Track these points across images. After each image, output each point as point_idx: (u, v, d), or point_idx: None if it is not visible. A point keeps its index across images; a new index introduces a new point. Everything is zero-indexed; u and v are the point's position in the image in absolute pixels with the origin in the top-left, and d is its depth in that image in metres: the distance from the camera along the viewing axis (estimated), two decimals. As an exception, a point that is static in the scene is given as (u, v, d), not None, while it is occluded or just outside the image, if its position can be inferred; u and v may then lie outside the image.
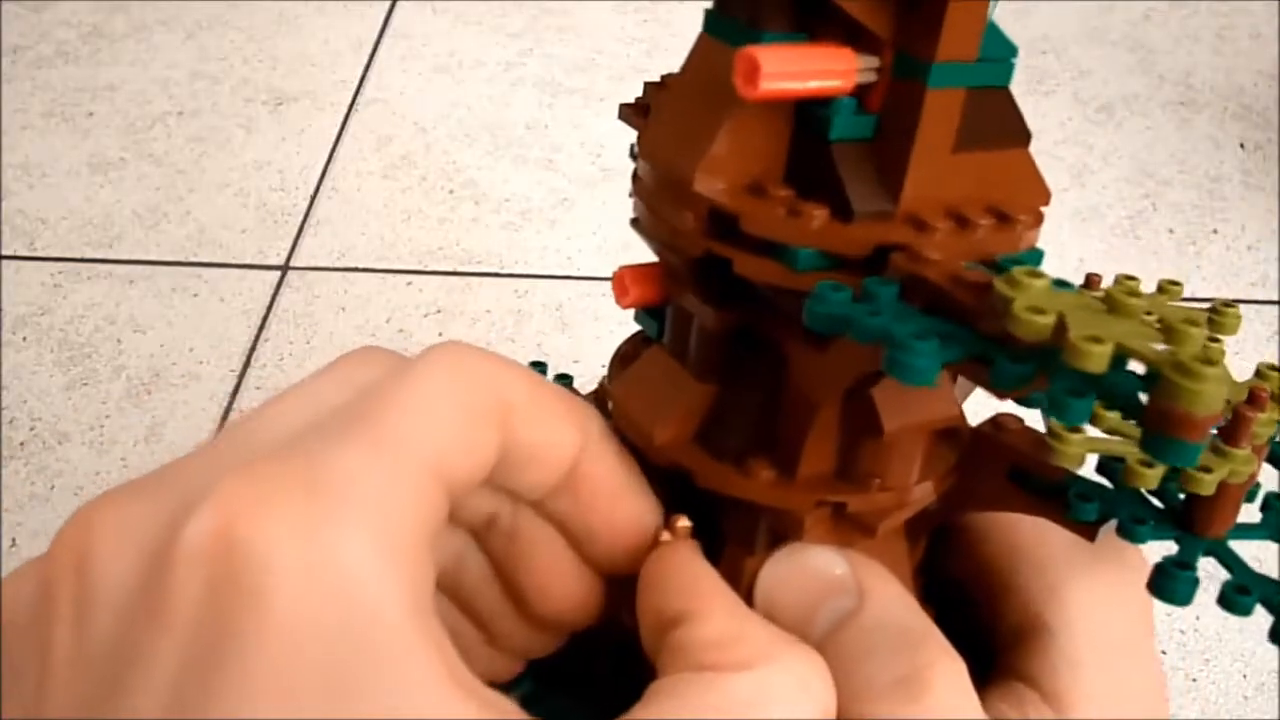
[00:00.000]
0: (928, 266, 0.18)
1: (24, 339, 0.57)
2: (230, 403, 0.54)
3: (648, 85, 0.23)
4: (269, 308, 0.59)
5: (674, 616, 0.19)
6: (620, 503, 0.20)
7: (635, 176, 0.22)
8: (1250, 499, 0.20)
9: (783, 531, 0.21)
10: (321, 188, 0.66)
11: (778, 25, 0.19)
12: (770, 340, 0.21)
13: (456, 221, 0.64)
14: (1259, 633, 0.45)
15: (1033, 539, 0.22)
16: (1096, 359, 0.15)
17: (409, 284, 0.60)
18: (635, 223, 0.22)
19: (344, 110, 0.72)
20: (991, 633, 0.23)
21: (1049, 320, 0.16)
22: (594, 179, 0.66)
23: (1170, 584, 0.18)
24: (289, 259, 0.62)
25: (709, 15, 0.21)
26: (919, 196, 0.19)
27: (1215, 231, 0.64)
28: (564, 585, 0.21)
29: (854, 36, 0.18)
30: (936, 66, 0.18)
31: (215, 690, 0.14)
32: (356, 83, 0.75)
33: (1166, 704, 0.23)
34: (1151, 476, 0.18)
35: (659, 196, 0.21)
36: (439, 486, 0.16)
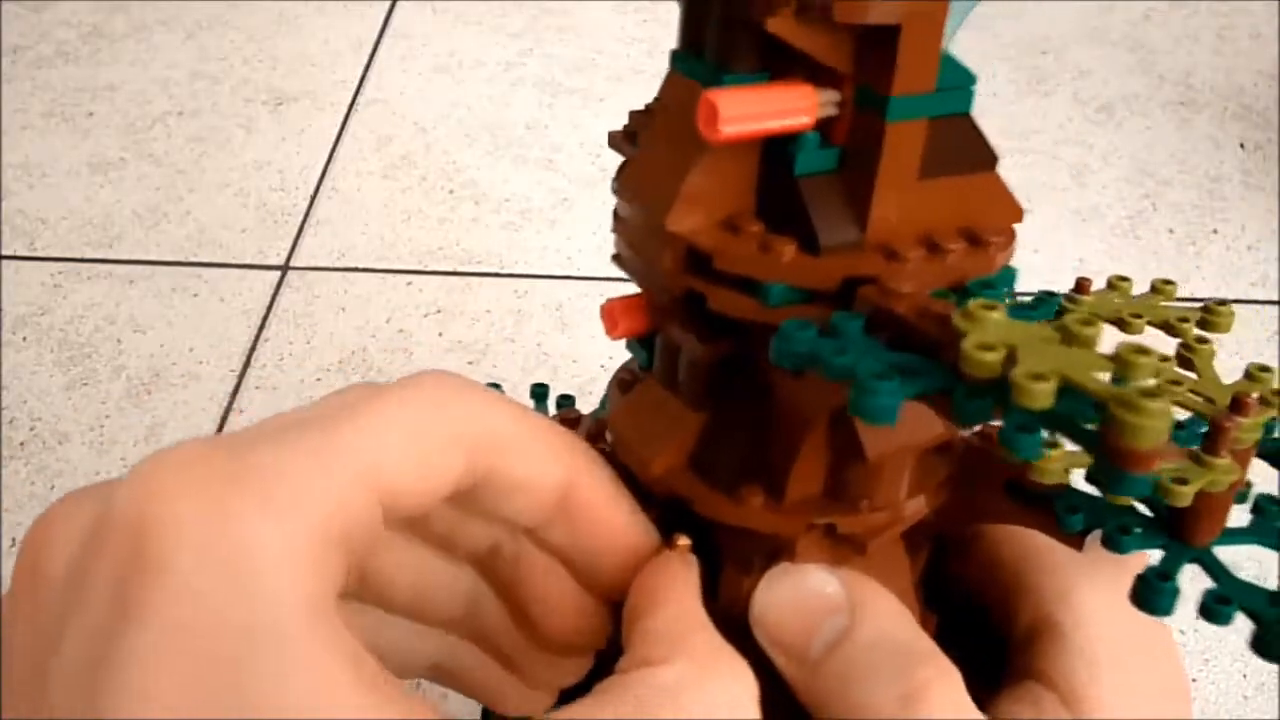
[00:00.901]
0: (894, 299, 0.19)
1: (24, 339, 0.57)
2: (230, 403, 0.54)
3: (633, 114, 0.23)
4: (269, 308, 0.59)
5: (634, 613, 0.20)
6: (616, 530, 0.21)
7: (615, 214, 0.22)
8: (1242, 500, 0.20)
9: (775, 553, 0.22)
10: (321, 188, 0.66)
11: (741, 66, 0.19)
12: (755, 368, 0.21)
13: (456, 221, 0.64)
14: (1259, 633, 0.45)
15: (1044, 540, 0.22)
16: (1040, 396, 0.16)
17: (409, 284, 0.60)
18: (617, 259, 0.23)
19: (344, 110, 0.72)
20: (1005, 634, 0.23)
21: (997, 357, 0.16)
22: (594, 179, 0.66)
23: (1151, 595, 0.19)
24: (289, 259, 0.62)
25: (676, 55, 0.21)
26: (888, 225, 0.20)
27: (1215, 231, 0.64)
28: (569, 610, 0.22)
29: (816, 72, 0.19)
30: (894, 100, 0.18)
31: (112, 661, 0.15)
32: (356, 83, 0.75)
33: (1188, 702, 0.23)
34: (1168, 470, 0.18)
35: (638, 235, 0.22)
36: (370, 498, 0.17)
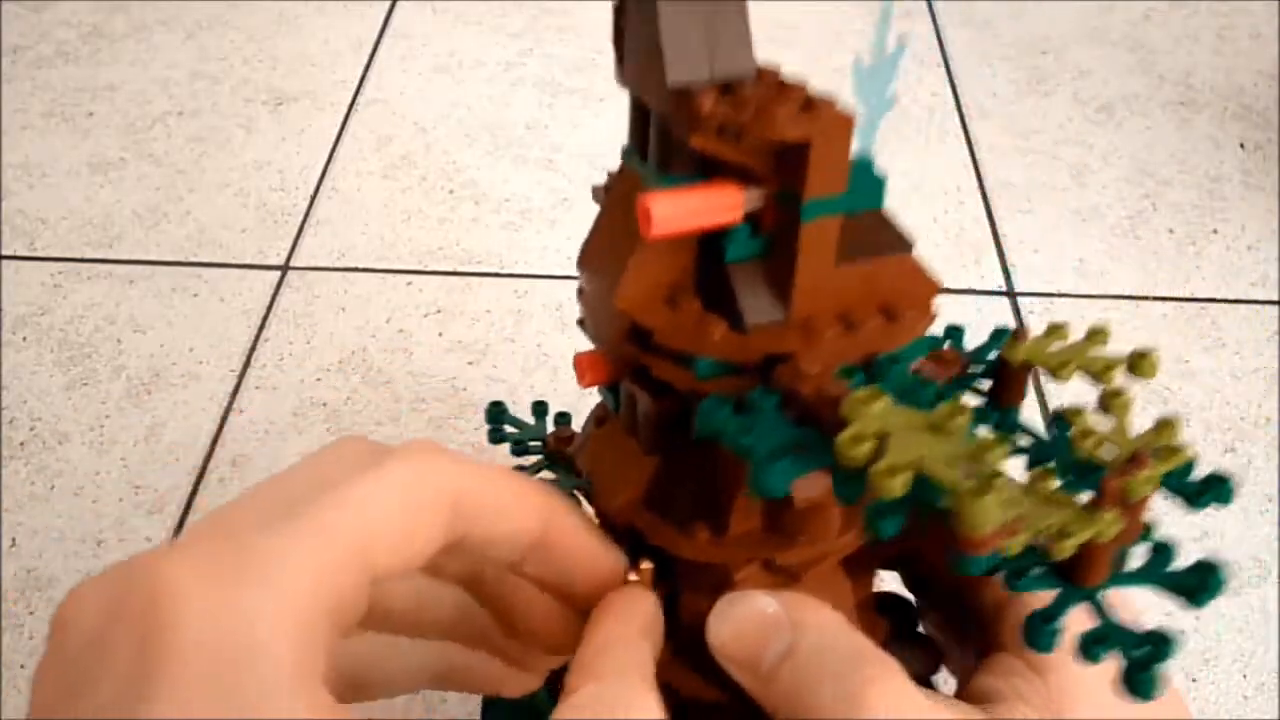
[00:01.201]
0: (800, 381, 0.21)
1: (24, 339, 0.57)
2: (230, 403, 0.54)
3: (610, 175, 0.26)
4: (269, 308, 0.59)
5: (580, 646, 0.23)
6: (586, 563, 0.24)
7: (579, 287, 0.25)
8: (1146, 538, 0.22)
9: (723, 581, 0.24)
10: (321, 188, 0.66)
11: (680, 169, 0.21)
12: None
13: (456, 221, 0.64)
14: (1259, 633, 0.45)
15: None
16: (894, 489, 0.18)
17: (409, 284, 0.60)
18: (581, 323, 0.26)
19: (344, 110, 0.72)
20: (978, 612, 0.26)
21: (864, 450, 0.18)
22: (594, 179, 0.66)
23: (1035, 635, 0.20)
24: (289, 259, 0.62)
25: (626, 150, 0.24)
26: (809, 305, 0.22)
27: (1215, 231, 0.64)
28: (550, 621, 0.25)
29: (745, 173, 0.21)
30: (809, 203, 0.21)
31: (136, 705, 0.17)
32: (356, 83, 0.75)
33: None
34: (1016, 542, 0.20)
35: (593, 306, 0.24)
36: (358, 574, 0.19)
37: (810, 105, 0.20)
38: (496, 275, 0.60)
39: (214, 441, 0.52)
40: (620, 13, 0.23)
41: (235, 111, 0.72)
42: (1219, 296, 0.60)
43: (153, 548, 0.20)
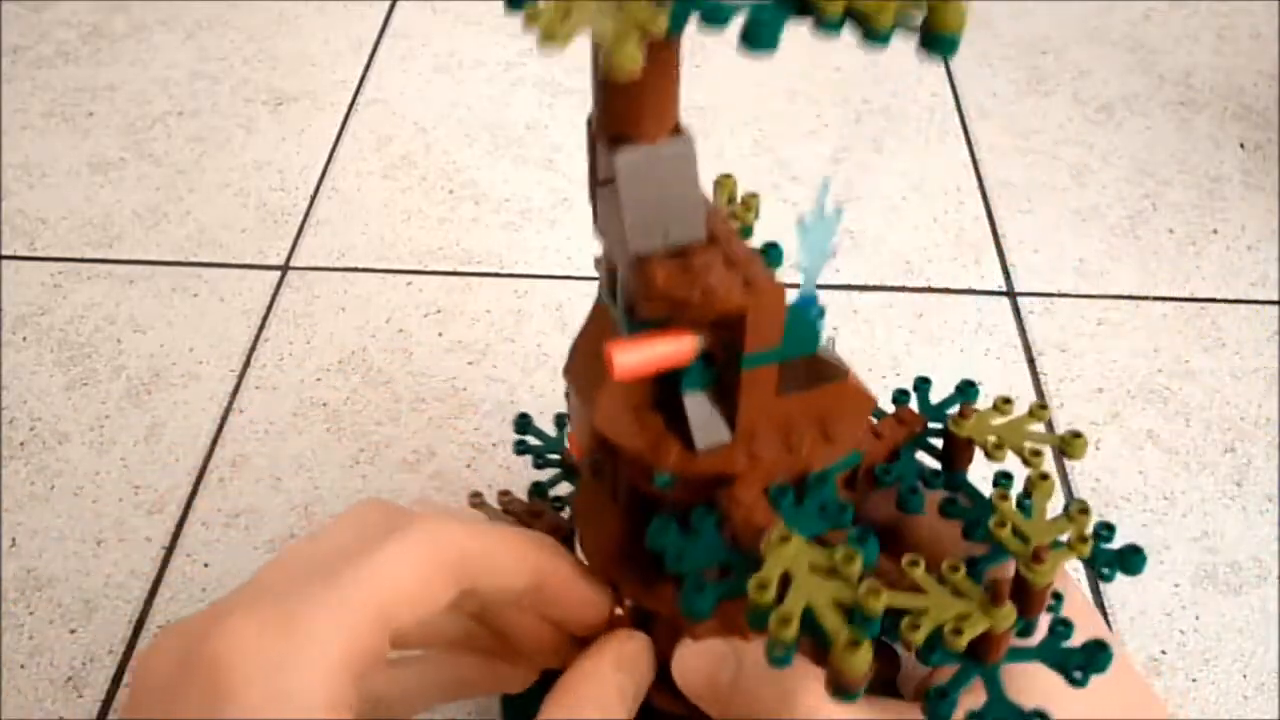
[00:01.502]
0: (733, 507, 0.25)
1: (24, 339, 0.57)
2: (230, 403, 0.54)
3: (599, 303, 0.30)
4: (269, 308, 0.59)
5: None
6: (576, 605, 0.29)
7: (566, 393, 0.29)
8: (1054, 609, 0.25)
9: (683, 625, 0.29)
10: (321, 188, 0.66)
11: (644, 314, 0.25)
12: None
13: (456, 221, 0.64)
14: (1259, 633, 0.45)
15: (951, 537, 0.29)
16: (786, 633, 0.21)
17: (409, 284, 0.60)
18: (566, 415, 0.30)
19: (344, 110, 0.72)
20: None
21: (768, 597, 0.22)
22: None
23: (933, 708, 0.23)
24: (289, 259, 0.62)
25: (601, 289, 0.27)
26: (752, 429, 0.25)
27: (1215, 231, 0.64)
28: (547, 647, 0.30)
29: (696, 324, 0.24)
30: (746, 356, 0.24)
31: None
32: (356, 83, 0.75)
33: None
34: (918, 636, 0.23)
35: (576, 413, 0.29)
36: (381, 631, 0.24)
37: (748, 281, 0.24)
38: (496, 275, 0.61)
39: (214, 441, 0.52)
40: (593, 174, 0.25)
41: (235, 111, 0.72)
42: (1219, 296, 0.60)
43: (216, 605, 0.25)
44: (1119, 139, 0.70)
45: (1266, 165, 0.68)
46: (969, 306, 0.59)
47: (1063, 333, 0.58)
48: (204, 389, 0.55)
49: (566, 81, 0.74)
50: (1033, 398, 0.54)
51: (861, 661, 0.21)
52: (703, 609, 0.23)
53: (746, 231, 0.35)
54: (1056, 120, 0.72)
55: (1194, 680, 0.44)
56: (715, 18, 0.19)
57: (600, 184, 0.24)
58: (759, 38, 0.19)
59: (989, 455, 0.28)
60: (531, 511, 0.39)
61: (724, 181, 0.36)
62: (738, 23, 0.19)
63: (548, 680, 0.31)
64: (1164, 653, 0.45)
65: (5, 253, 0.62)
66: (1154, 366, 0.56)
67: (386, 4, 0.82)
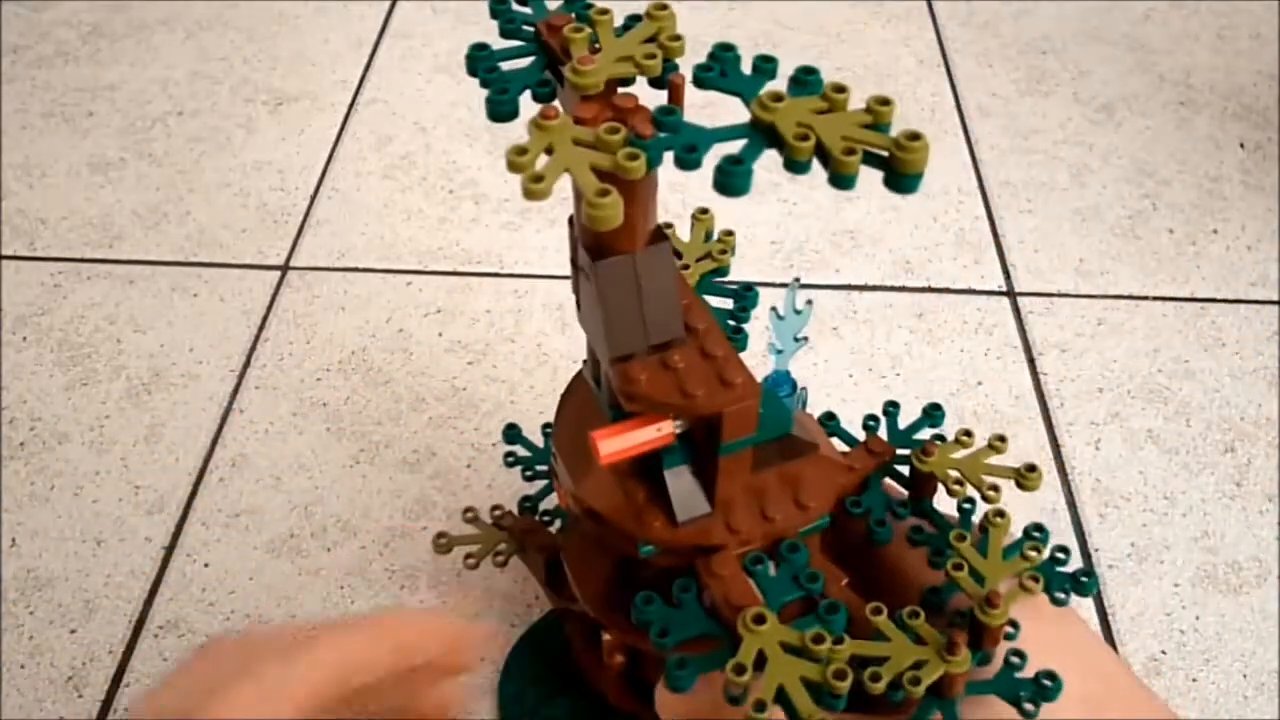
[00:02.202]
0: (713, 582, 0.27)
1: (24, 339, 0.57)
2: (230, 403, 0.54)
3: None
4: (269, 308, 0.59)
5: None
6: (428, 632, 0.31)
7: (552, 453, 0.31)
8: (1011, 638, 0.27)
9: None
10: (321, 188, 0.66)
11: (628, 410, 0.26)
12: None
13: (456, 221, 0.64)
14: (1259, 632, 0.45)
15: (917, 560, 0.30)
16: (762, 713, 0.23)
17: (409, 284, 0.60)
18: (553, 476, 0.32)
19: (344, 110, 0.72)
20: None
21: (746, 681, 0.24)
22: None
23: None
24: (289, 259, 0.62)
25: (586, 372, 0.30)
26: (730, 500, 0.27)
27: (1215, 231, 0.64)
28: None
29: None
30: (723, 445, 0.26)
31: None
32: (356, 83, 0.75)
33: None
34: (879, 685, 0.24)
35: (564, 482, 0.30)
36: (339, 688, 0.26)
37: (725, 381, 0.25)
38: (496, 275, 0.60)
39: (214, 441, 0.52)
40: (575, 263, 0.26)
41: (235, 111, 0.72)
42: (1219, 296, 0.60)
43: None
44: (1119, 139, 0.70)
45: (1266, 165, 0.68)
46: (969, 306, 0.59)
47: (1063, 333, 0.58)
48: (204, 389, 0.55)
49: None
50: (1033, 398, 0.54)
51: (837, 701, 0.23)
52: (686, 686, 0.25)
53: (723, 270, 0.37)
54: (1056, 120, 0.72)
55: (1194, 680, 0.44)
56: (689, 163, 0.20)
57: (580, 273, 0.26)
58: (731, 186, 0.20)
59: (950, 492, 0.30)
60: (524, 528, 0.40)
61: (701, 219, 0.37)
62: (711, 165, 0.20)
63: (545, 644, 0.35)
64: (1164, 653, 0.45)
65: (5, 253, 0.62)
66: (1154, 366, 0.56)
67: (386, 4, 0.82)
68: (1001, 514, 0.29)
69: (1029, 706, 0.25)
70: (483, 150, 0.69)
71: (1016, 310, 0.59)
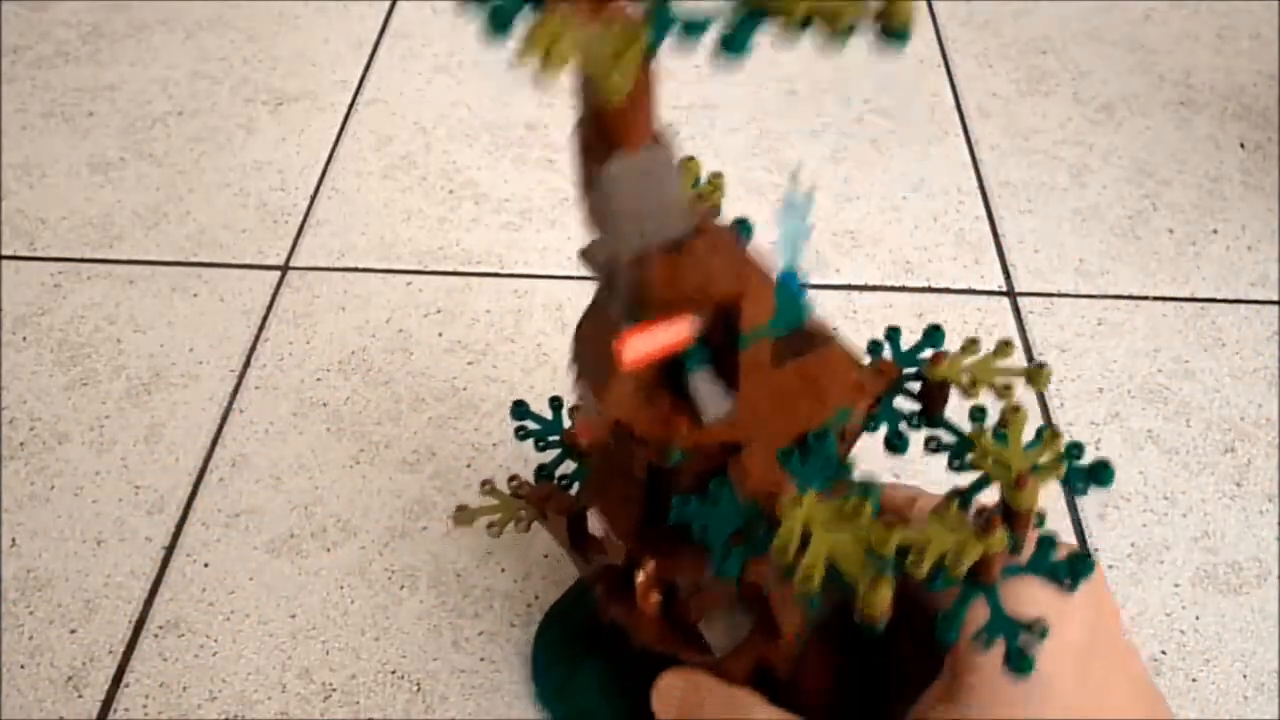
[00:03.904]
0: (746, 476, 0.27)
1: (24, 339, 0.57)
2: (230, 403, 0.54)
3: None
4: (269, 308, 0.59)
5: None
6: None
7: (575, 375, 0.31)
8: (1040, 524, 0.28)
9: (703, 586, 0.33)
10: (321, 188, 0.66)
11: (647, 306, 0.26)
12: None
13: (456, 221, 0.64)
14: (1259, 633, 0.45)
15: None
16: (811, 584, 0.24)
17: (409, 284, 0.60)
18: (557, 401, 0.35)
19: (344, 110, 0.72)
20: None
21: (792, 551, 0.25)
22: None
23: (943, 629, 0.26)
24: (289, 259, 0.62)
25: (599, 285, 0.29)
26: (754, 398, 0.27)
27: (1215, 231, 0.64)
28: None
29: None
30: (742, 336, 0.26)
31: None
32: (356, 83, 0.75)
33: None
34: (923, 568, 0.25)
35: (586, 399, 0.30)
36: None
37: (738, 268, 0.26)
38: (496, 275, 0.61)
39: (214, 441, 0.52)
40: (581, 178, 0.27)
41: (235, 111, 0.72)
42: (1219, 296, 0.60)
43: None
44: (1119, 139, 0.70)
45: (1266, 165, 0.68)
46: (969, 306, 0.59)
47: (1063, 333, 0.58)
48: (204, 389, 0.55)
49: (566, 81, 0.74)
50: (1034, 402, 0.54)
51: (884, 598, 0.23)
52: (732, 571, 0.25)
53: (715, 210, 0.37)
54: (1056, 120, 0.72)
55: (1194, 680, 0.44)
56: (693, 30, 0.20)
57: (589, 187, 0.26)
58: (733, 44, 0.20)
59: (965, 393, 0.31)
60: (542, 495, 0.40)
61: (688, 165, 0.38)
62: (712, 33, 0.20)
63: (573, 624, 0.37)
64: (1164, 653, 0.45)
65: (5, 253, 0.62)
66: (1154, 366, 0.56)
67: (386, 4, 0.82)
68: (1017, 408, 0.29)
69: (1067, 582, 0.26)
70: (483, 150, 0.69)
71: (1016, 310, 0.59)
